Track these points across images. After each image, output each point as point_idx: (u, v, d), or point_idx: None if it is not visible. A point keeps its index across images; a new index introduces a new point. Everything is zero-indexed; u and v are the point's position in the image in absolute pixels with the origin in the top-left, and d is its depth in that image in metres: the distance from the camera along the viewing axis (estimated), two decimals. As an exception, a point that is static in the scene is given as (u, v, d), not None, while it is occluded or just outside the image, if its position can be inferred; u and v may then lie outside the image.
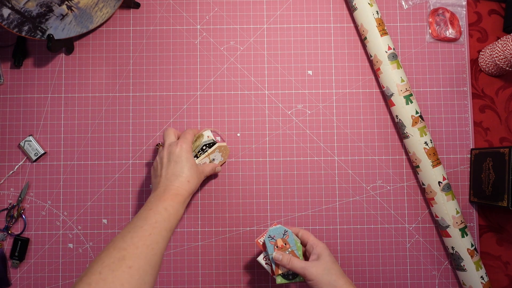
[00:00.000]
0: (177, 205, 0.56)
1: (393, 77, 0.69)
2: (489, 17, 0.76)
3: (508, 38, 0.67)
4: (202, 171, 0.64)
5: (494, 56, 0.70)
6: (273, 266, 0.60)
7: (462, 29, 0.75)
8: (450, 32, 0.75)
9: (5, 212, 0.72)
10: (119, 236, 0.50)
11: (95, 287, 0.44)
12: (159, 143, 0.70)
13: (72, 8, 0.69)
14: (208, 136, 0.68)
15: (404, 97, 0.69)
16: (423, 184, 0.70)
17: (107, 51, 0.75)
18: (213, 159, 0.68)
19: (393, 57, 0.69)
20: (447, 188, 0.68)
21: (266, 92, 0.74)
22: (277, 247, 0.60)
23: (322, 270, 0.57)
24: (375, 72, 0.73)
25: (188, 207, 0.73)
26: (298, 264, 0.58)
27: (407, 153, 0.73)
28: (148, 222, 0.52)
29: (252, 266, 0.72)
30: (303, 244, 0.62)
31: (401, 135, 0.71)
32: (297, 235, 0.63)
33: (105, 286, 0.44)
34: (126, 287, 0.45)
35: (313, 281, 0.57)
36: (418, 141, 0.68)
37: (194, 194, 0.73)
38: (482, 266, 0.68)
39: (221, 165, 0.71)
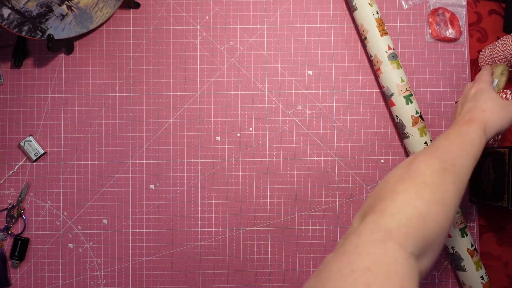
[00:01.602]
0: (478, 131, 0.48)
1: (393, 77, 0.69)
2: (489, 17, 0.76)
3: (508, 38, 0.67)
4: (509, 103, 0.53)
5: (494, 56, 0.70)
6: None
7: (462, 29, 0.75)
8: (450, 32, 0.75)
9: (5, 212, 0.72)
10: (428, 149, 0.45)
11: (432, 189, 0.40)
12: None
13: (72, 8, 0.69)
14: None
15: (404, 97, 0.69)
16: (423, 184, 0.69)
17: (107, 51, 0.75)
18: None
19: (393, 57, 0.69)
20: (447, 188, 0.68)
21: (266, 92, 0.74)
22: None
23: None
24: (375, 72, 0.73)
25: (188, 207, 0.73)
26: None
27: (407, 153, 0.73)
28: (454, 143, 0.46)
29: (252, 266, 0.72)
30: None
31: (401, 135, 0.71)
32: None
33: (440, 192, 0.40)
34: (453, 201, 0.41)
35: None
36: (418, 141, 0.68)
37: (194, 194, 0.73)
38: (482, 266, 0.68)
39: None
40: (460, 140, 0.46)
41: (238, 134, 0.74)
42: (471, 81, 0.74)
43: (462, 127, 0.48)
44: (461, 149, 0.45)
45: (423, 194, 0.39)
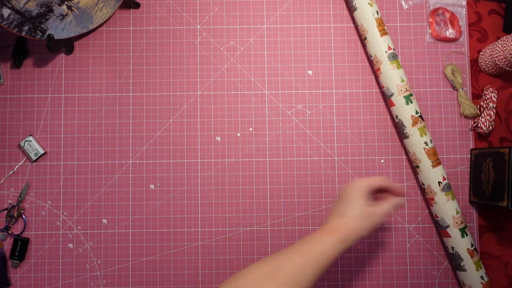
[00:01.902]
0: (335, 241, 0.51)
1: (393, 77, 0.69)
2: (489, 17, 0.76)
3: (508, 38, 0.67)
4: (374, 213, 0.54)
5: (494, 56, 0.70)
6: None
7: (462, 29, 0.75)
8: (450, 32, 0.75)
9: (5, 212, 0.72)
10: (269, 258, 0.50)
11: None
12: None
13: (72, 8, 0.69)
14: None
15: (404, 97, 0.69)
16: (423, 184, 0.70)
17: (107, 51, 0.75)
18: None
19: (393, 57, 0.69)
20: (447, 188, 0.68)
21: (266, 92, 0.74)
22: None
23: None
24: (375, 72, 0.73)
25: (188, 207, 0.73)
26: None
27: (407, 153, 0.73)
28: (303, 249, 0.50)
29: (252, 266, 0.72)
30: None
31: (401, 135, 0.71)
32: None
33: None
34: None
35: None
36: (418, 141, 0.68)
37: (194, 194, 0.73)
38: (482, 266, 0.68)
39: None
40: (309, 249, 0.49)
41: (238, 134, 0.74)
42: (471, 81, 0.74)
43: (319, 237, 0.51)
44: (311, 258, 0.49)
45: None
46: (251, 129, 0.73)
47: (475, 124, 0.72)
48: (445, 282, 0.72)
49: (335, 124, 0.74)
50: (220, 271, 0.72)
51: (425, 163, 0.68)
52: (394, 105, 0.70)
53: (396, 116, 0.70)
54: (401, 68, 0.70)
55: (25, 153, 0.72)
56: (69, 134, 0.73)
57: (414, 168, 0.71)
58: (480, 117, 0.72)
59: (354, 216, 0.53)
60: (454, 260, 0.69)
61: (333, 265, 0.72)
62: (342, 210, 0.54)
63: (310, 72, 0.75)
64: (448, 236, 0.68)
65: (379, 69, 0.70)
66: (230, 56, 0.75)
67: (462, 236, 0.67)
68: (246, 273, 0.48)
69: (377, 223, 0.54)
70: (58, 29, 0.68)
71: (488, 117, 0.70)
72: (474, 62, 0.75)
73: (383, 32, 0.70)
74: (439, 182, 0.68)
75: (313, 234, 0.52)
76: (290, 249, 0.51)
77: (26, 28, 0.66)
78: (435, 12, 0.75)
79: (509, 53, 0.67)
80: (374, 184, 0.56)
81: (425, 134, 0.68)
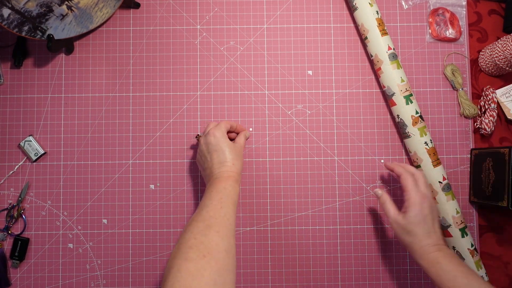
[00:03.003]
0: (233, 183, 0.60)
1: (393, 77, 0.69)
2: (489, 17, 0.76)
3: (508, 38, 0.67)
4: (240, 146, 0.66)
5: (494, 56, 0.70)
6: None
7: (462, 29, 0.75)
8: (450, 32, 0.75)
9: (5, 212, 0.72)
10: (196, 214, 0.55)
11: (196, 249, 0.48)
12: (198, 134, 0.69)
13: (72, 8, 0.69)
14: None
15: (404, 97, 0.69)
16: (423, 184, 0.70)
17: (107, 51, 0.75)
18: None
19: (393, 57, 0.69)
20: (447, 188, 0.68)
21: (266, 92, 0.74)
22: None
23: (401, 229, 0.60)
24: (375, 72, 0.73)
25: (188, 207, 0.73)
26: (388, 209, 0.62)
27: (407, 153, 0.73)
28: (215, 199, 0.57)
29: (252, 266, 0.72)
30: (403, 189, 0.62)
31: (402, 134, 0.71)
32: (400, 176, 0.63)
33: (204, 246, 0.49)
34: (220, 246, 0.50)
35: (395, 232, 0.61)
36: (418, 141, 0.68)
37: (194, 194, 0.73)
38: (482, 266, 0.68)
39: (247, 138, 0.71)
40: (220, 196, 0.57)
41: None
42: (471, 81, 0.74)
43: (221, 183, 0.59)
44: (221, 202, 0.56)
45: (189, 258, 0.47)
46: (251, 129, 0.73)
47: (478, 125, 0.72)
48: (445, 282, 0.72)
49: (335, 124, 0.74)
50: (220, 271, 0.72)
51: (426, 163, 0.68)
52: (395, 104, 0.70)
53: (398, 115, 0.70)
54: (401, 68, 0.70)
55: (25, 153, 0.72)
56: (69, 134, 0.73)
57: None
58: (483, 118, 0.72)
59: (233, 159, 0.62)
60: (454, 260, 0.69)
61: (333, 265, 0.72)
62: (221, 159, 0.62)
63: (310, 72, 0.75)
64: (449, 236, 0.68)
65: (380, 68, 0.70)
66: (230, 56, 0.75)
67: (462, 236, 0.67)
68: (184, 233, 0.52)
69: (242, 152, 0.66)
70: (58, 29, 0.68)
71: (491, 118, 0.70)
72: (474, 62, 0.75)
73: (383, 32, 0.70)
74: (439, 182, 0.68)
75: (214, 185, 0.59)
76: (207, 201, 0.56)
77: (26, 28, 0.66)
78: (435, 12, 0.75)
79: (509, 53, 0.67)
80: (227, 127, 0.66)
81: (425, 134, 0.68)
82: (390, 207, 0.62)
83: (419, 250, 0.57)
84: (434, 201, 0.62)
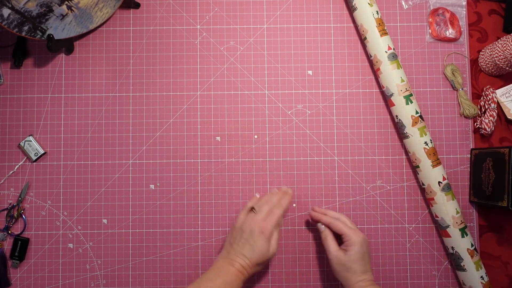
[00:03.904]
0: (240, 282, 0.60)
1: (393, 77, 0.69)
2: (489, 17, 0.76)
3: (508, 38, 0.67)
4: (272, 254, 0.63)
5: (494, 56, 0.70)
6: None
7: (462, 29, 0.75)
8: (450, 32, 0.75)
9: (5, 212, 0.72)
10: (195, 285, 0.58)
11: None
12: (253, 208, 0.65)
13: (72, 8, 0.69)
14: None
15: (404, 97, 0.69)
16: (423, 184, 0.70)
17: (107, 51, 0.75)
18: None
19: (393, 57, 0.69)
20: (447, 188, 0.68)
21: (266, 92, 0.74)
22: None
23: (341, 265, 0.62)
24: (375, 72, 0.73)
25: (188, 207, 0.73)
26: (328, 246, 0.64)
27: (407, 153, 0.73)
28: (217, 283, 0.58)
29: (252, 266, 0.72)
30: (339, 233, 0.64)
31: (401, 135, 0.71)
32: (330, 225, 0.65)
33: None
34: None
35: (332, 268, 0.63)
36: (418, 141, 0.68)
37: (194, 194, 0.73)
38: (482, 266, 0.68)
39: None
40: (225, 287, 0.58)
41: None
42: (471, 81, 0.74)
43: (233, 276, 0.59)
44: None
45: None
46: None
47: (478, 125, 0.72)
48: (445, 282, 0.72)
49: (335, 124, 0.74)
50: (220, 271, 0.72)
51: (425, 163, 0.68)
52: (394, 105, 0.70)
53: (396, 116, 0.70)
54: (401, 68, 0.70)
55: (25, 153, 0.72)
56: (69, 134, 0.73)
57: (414, 168, 0.71)
58: (483, 118, 0.72)
59: (257, 263, 0.61)
60: (454, 260, 0.69)
61: (333, 265, 0.72)
62: (248, 254, 0.61)
63: (310, 72, 0.75)
64: (448, 236, 0.68)
65: (379, 69, 0.70)
66: (230, 56, 0.75)
67: (462, 236, 0.67)
68: None
69: (268, 260, 0.64)
70: (58, 29, 0.68)
71: (491, 118, 0.70)
72: (474, 62, 0.75)
73: (383, 32, 0.70)
74: (439, 182, 0.68)
75: (226, 271, 0.59)
76: (207, 283, 0.58)
77: (26, 28, 0.66)
78: (435, 12, 0.75)
79: (509, 53, 0.67)
80: (280, 220, 0.65)
81: (425, 134, 0.68)
82: (331, 243, 0.64)
83: (354, 285, 0.61)
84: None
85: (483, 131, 0.72)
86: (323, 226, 0.66)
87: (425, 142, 0.68)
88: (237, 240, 0.63)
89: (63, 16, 0.68)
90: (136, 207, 0.73)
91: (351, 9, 0.73)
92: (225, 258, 0.62)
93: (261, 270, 0.64)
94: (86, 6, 0.69)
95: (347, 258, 0.62)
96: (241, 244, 0.62)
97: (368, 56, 0.74)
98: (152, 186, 0.73)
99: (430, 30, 0.75)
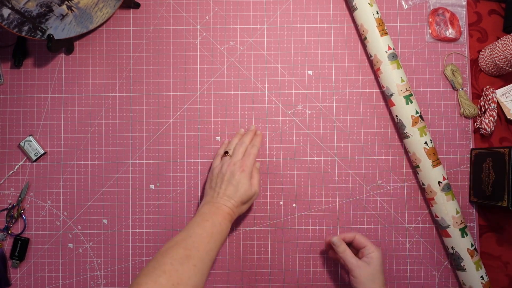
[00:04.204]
0: (228, 222, 0.61)
1: (393, 77, 0.69)
2: (489, 17, 0.76)
3: (508, 38, 0.67)
4: (254, 192, 0.65)
5: (494, 56, 0.70)
6: None
7: (462, 29, 0.75)
8: (450, 32, 0.75)
9: (5, 212, 0.72)
10: (182, 236, 0.56)
11: (169, 275, 0.51)
12: (228, 152, 0.67)
13: (72, 8, 0.69)
14: None
15: (404, 97, 0.69)
16: (423, 184, 0.70)
17: (107, 51, 0.75)
18: None
19: (393, 57, 0.69)
20: (447, 188, 0.68)
21: (266, 92, 0.74)
22: None
23: (368, 275, 0.62)
24: (375, 72, 0.73)
25: (188, 207, 0.73)
26: (350, 258, 0.64)
27: (407, 153, 0.73)
28: (206, 231, 0.58)
29: (253, 266, 0.72)
30: (360, 247, 0.65)
31: (401, 135, 0.71)
32: (351, 241, 0.66)
33: (177, 276, 0.51)
34: (192, 280, 0.52)
35: (356, 279, 0.62)
36: (418, 141, 0.68)
37: (194, 194, 0.73)
38: (482, 266, 0.68)
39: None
40: (213, 230, 0.58)
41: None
42: (471, 81, 0.74)
43: (219, 217, 0.60)
44: (211, 237, 0.57)
45: (159, 282, 0.50)
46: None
47: (478, 125, 0.72)
48: (445, 282, 0.72)
49: (335, 124, 0.74)
50: (220, 271, 0.72)
51: (425, 163, 0.68)
52: (394, 105, 0.70)
53: (396, 116, 0.70)
54: (401, 68, 0.70)
55: (25, 153, 0.72)
56: (69, 134, 0.73)
57: (414, 168, 0.71)
58: (482, 118, 0.72)
59: (241, 201, 0.63)
60: (454, 260, 0.69)
61: (333, 265, 0.72)
62: (232, 195, 0.62)
63: (310, 72, 0.75)
64: (448, 236, 0.68)
65: (379, 69, 0.70)
66: (230, 56, 0.75)
67: (462, 236, 0.67)
68: (164, 253, 0.54)
69: (253, 199, 0.65)
70: (58, 29, 0.68)
71: (491, 118, 0.70)
72: (474, 62, 0.75)
73: (383, 32, 0.70)
74: (439, 182, 0.68)
75: (212, 213, 0.60)
76: (198, 229, 0.57)
77: (26, 28, 0.66)
78: (435, 12, 0.75)
79: (509, 53, 0.67)
80: (255, 158, 0.67)
81: (425, 134, 0.68)
82: (352, 255, 0.64)
83: None
84: None
85: (483, 131, 0.72)
86: (339, 241, 0.65)
87: (425, 142, 0.68)
88: (218, 184, 0.64)
89: (63, 16, 0.68)
90: (136, 207, 0.73)
91: (351, 9, 0.73)
92: (209, 203, 0.62)
93: (245, 210, 0.65)
94: (86, 6, 0.69)
95: (372, 269, 0.62)
96: (224, 187, 0.63)
97: (368, 56, 0.74)
98: (152, 186, 0.73)
99: (430, 30, 0.75)
